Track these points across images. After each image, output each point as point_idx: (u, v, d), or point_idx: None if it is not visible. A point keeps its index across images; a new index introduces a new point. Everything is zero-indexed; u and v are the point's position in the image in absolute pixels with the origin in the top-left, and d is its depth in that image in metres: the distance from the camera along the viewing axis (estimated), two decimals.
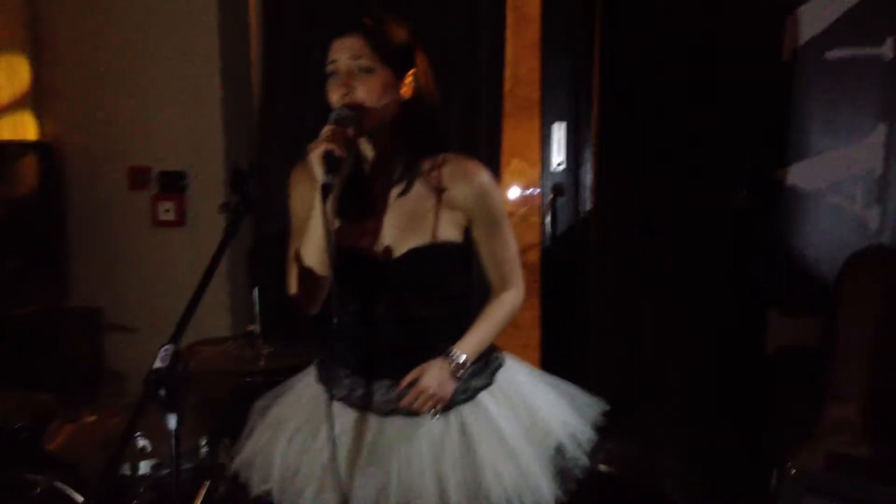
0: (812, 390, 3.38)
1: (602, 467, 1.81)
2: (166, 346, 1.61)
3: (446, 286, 2.08)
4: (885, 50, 3.36)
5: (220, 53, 4.09)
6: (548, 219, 3.95)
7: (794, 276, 3.54)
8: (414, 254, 2.01)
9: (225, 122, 4.12)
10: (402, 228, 2.03)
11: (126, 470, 2.75)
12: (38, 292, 4.12)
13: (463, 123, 3.82)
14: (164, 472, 2.91)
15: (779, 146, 3.52)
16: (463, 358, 2.04)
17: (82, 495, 2.96)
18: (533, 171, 4.91)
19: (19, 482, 2.90)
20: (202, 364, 3.26)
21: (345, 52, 1.96)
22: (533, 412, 2.13)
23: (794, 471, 3.04)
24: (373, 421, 2.05)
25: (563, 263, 3.98)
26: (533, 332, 4.77)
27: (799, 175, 3.50)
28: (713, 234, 3.59)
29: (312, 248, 1.94)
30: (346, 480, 1.98)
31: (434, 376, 2.00)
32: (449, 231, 2.04)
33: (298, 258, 1.98)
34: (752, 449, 3.54)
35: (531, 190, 5.21)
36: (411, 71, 2.03)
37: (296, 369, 2.53)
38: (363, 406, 2.07)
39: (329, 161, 1.84)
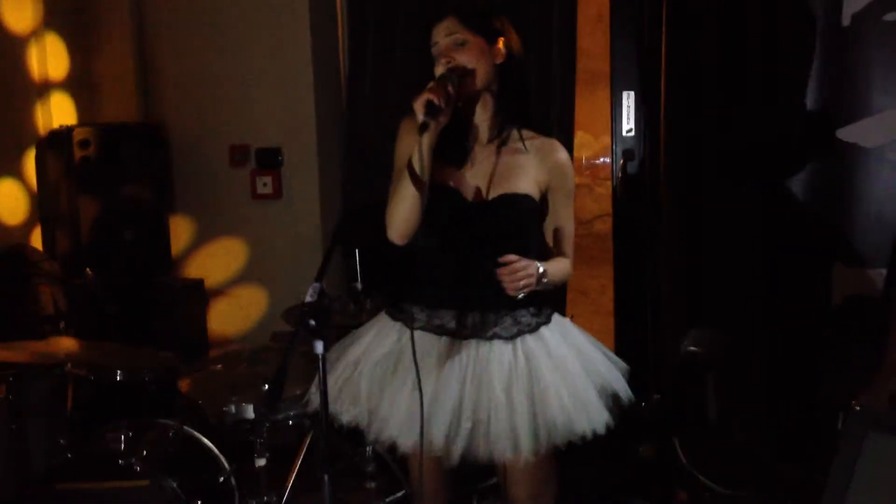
0: (877, 337, 3.57)
1: (691, 348, 2.03)
2: (314, 285, 1.91)
3: (525, 233, 2.40)
4: None
5: (312, 43, 4.41)
6: (619, 181, 4.19)
7: (857, 229, 3.73)
8: (503, 199, 2.34)
9: (317, 103, 4.44)
10: (495, 178, 2.35)
11: (250, 413, 3.11)
12: (148, 262, 4.48)
13: (537, 95, 4.07)
14: (281, 416, 3.26)
15: (840, 106, 3.71)
16: (543, 268, 2.29)
17: (207, 437, 3.33)
18: (597, 144, 5.12)
19: (155, 426, 3.27)
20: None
21: (442, 33, 2.33)
22: (584, 354, 2.42)
23: (858, 408, 3.26)
24: (450, 344, 2.33)
25: (634, 228, 4.20)
26: (602, 298, 5.01)
27: (860, 133, 3.68)
28: (777, 194, 3.79)
29: (411, 180, 2.24)
30: (426, 401, 2.25)
31: (527, 264, 2.25)
32: (532, 188, 2.37)
33: (398, 191, 2.28)
34: (820, 394, 3.76)
35: (601, 160, 5.42)
36: (501, 39, 2.35)
37: None
38: (441, 332, 2.36)
39: (429, 108, 2.17)
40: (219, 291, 4.68)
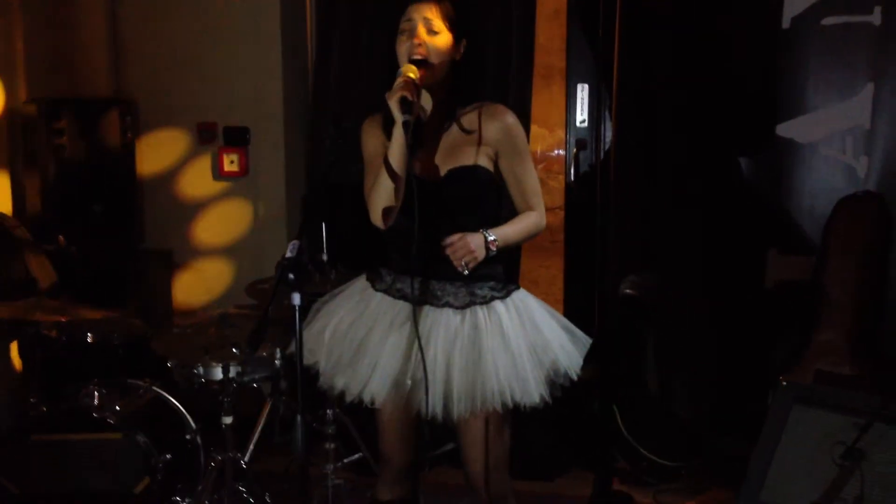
0: (805, 320, 3.83)
1: (628, 291, 2.22)
2: (294, 242, 2.10)
3: (478, 203, 2.55)
4: (874, 17, 3.79)
5: (281, 21, 4.56)
6: (572, 171, 4.40)
7: (791, 218, 4.00)
8: (453, 173, 2.51)
9: (284, 83, 4.60)
10: (445, 157, 2.53)
11: (219, 374, 3.28)
12: (117, 234, 4.60)
13: (494, 89, 4.25)
14: (247, 378, 3.43)
15: (780, 103, 3.97)
16: (493, 236, 2.49)
17: (176, 398, 3.50)
18: (551, 137, 5.29)
19: (127, 386, 3.43)
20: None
21: (419, 15, 2.47)
22: (537, 330, 2.58)
23: (785, 384, 3.50)
24: (405, 308, 2.52)
25: (584, 218, 4.40)
26: (552, 288, 5.17)
27: (796, 129, 3.95)
28: (719, 182, 4.04)
29: (388, 174, 2.42)
30: (378, 352, 2.48)
31: (472, 238, 2.47)
32: (482, 160, 2.53)
33: (378, 184, 2.47)
34: (752, 372, 4.01)
35: (555, 152, 5.60)
36: (464, 41, 2.54)
37: None
38: (401, 297, 2.55)
39: (404, 104, 2.34)
40: (185, 265, 4.81)
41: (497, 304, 2.55)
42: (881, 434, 3.15)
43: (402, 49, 2.48)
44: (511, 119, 2.56)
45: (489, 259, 2.52)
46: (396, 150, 2.40)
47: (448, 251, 2.46)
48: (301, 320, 2.13)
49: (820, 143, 3.92)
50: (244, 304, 4.37)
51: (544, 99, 4.69)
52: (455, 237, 2.45)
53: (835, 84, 3.87)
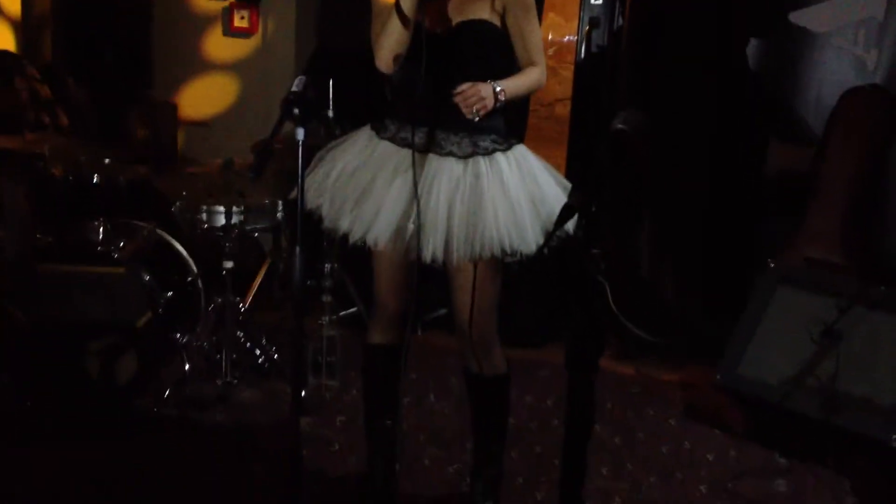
0: (800, 207, 3.88)
1: (619, 126, 2.26)
2: (300, 77, 2.13)
3: (486, 55, 2.57)
4: None
5: None
6: (583, 49, 4.39)
7: (797, 108, 4.01)
8: (463, 25, 2.53)
9: None
10: (456, 9, 2.54)
11: (221, 219, 3.36)
12: (128, 83, 4.62)
13: None
14: (249, 226, 3.51)
15: None
16: (500, 87, 2.53)
17: (178, 240, 3.58)
18: (567, 26, 5.24)
19: (130, 227, 3.50)
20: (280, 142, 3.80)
21: None
22: (536, 183, 2.63)
23: (772, 265, 3.59)
24: (409, 155, 2.53)
25: (595, 93, 4.41)
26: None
27: (809, 18, 3.93)
28: (727, 65, 4.04)
29: (398, 18, 2.44)
30: (382, 196, 2.54)
31: (482, 87, 2.51)
32: (491, 15, 2.56)
33: (387, 29, 2.49)
34: (742, 256, 4.08)
35: (567, 38, 5.56)
36: None
37: None
38: (405, 145, 2.58)
39: None
40: (190, 118, 4.84)
41: (499, 155, 2.60)
42: (860, 317, 3.26)
43: None
44: None
45: (493, 112, 2.56)
46: None
47: (458, 98, 2.49)
48: (305, 157, 2.17)
49: (832, 33, 3.90)
50: (249, 162, 4.42)
51: None
52: (466, 85, 2.48)
53: None
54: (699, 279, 4.18)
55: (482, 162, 2.58)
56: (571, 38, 4.72)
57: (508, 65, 2.65)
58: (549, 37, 4.90)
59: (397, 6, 2.43)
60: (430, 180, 2.55)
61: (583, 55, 4.40)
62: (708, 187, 4.11)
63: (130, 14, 4.64)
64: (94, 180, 3.70)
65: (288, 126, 2.20)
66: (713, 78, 4.04)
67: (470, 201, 2.52)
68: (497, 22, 2.58)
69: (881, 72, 3.83)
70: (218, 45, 4.74)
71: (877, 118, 3.77)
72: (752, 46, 4.05)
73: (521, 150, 2.67)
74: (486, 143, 2.60)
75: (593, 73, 4.37)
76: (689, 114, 4.08)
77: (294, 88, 2.16)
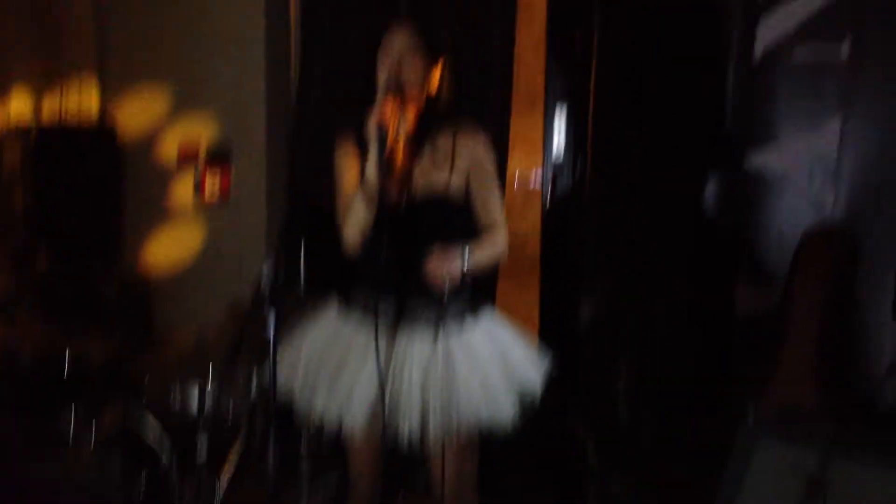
0: (771, 351, 3.89)
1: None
2: (270, 262, 2.17)
3: (449, 224, 2.63)
4: (842, 52, 3.86)
5: (265, 44, 4.63)
6: (548, 196, 4.47)
7: (760, 248, 4.06)
8: (427, 196, 2.60)
9: (267, 106, 4.65)
10: (420, 180, 2.61)
11: (195, 395, 3.33)
12: (98, 257, 4.64)
13: (472, 113, 4.30)
14: (222, 405, 3.47)
15: (750, 133, 4.04)
16: (467, 255, 2.55)
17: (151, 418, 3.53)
18: (529, 161, 5.35)
19: (101, 409, 3.45)
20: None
21: (396, 43, 2.57)
22: (506, 348, 2.67)
23: (751, 418, 3.57)
24: (380, 330, 2.55)
25: (561, 244, 4.46)
26: (530, 314, 5.18)
27: (763, 160, 4.01)
28: (690, 210, 4.11)
29: (361, 208, 2.49)
30: (355, 376, 2.54)
31: (448, 257, 2.54)
32: (455, 183, 2.63)
33: (352, 209, 2.55)
34: (720, 402, 4.06)
35: (533, 177, 5.66)
36: (440, 61, 2.62)
37: None
38: (373, 318, 2.56)
39: (380, 130, 2.44)
40: (164, 287, 4.85)
41: (468, 322, 2.63)
42: (843, 463, 3.22)
43: (382, 77, 2.58)
44: (484, 142, 2.67)
45: (462, 278, 2.60)
46: (370, 175, 2.47)
47: (427, 269, 2.52)
48: (276, 341, 2.19)
49: (787, 174, 3.98)
50: (222, 325, 4.42)
51: (524, 123, 4.76)
52: (436, 255, 2.52)
53: (803, 115, 3.93)
54: (679, 427, 4.15)
55: (452, 334, 2.60)
56: (537, 176, 4.81)
57: (470, 230, 2.71)
58: (515, 174, 4.98)
59: (362, 188, 2.48)
60: (401, 356, 2.57)
61: (548, 204, 4.47)
62: (681, 335, 4.11)
63: (100, 178, 4.70)
64: (64, 361, 3.71)
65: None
66: (676, 224, 4.10)
67: (443, 377, 2.53)
68: (461, 189, 2.64)
69: (839, 211, 3.89)
70: (189, 209, 4.79)
71: (839, 258, 3.81)
72: (710, 189, 4.12)
73: (488, 314, 2.71)
74: (454, 311, 2.62)
75: (560, 222, 4.43)
76: (656, 261, 4.13)
77: (264, 274, 2.20)
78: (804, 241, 3.82)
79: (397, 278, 2.59)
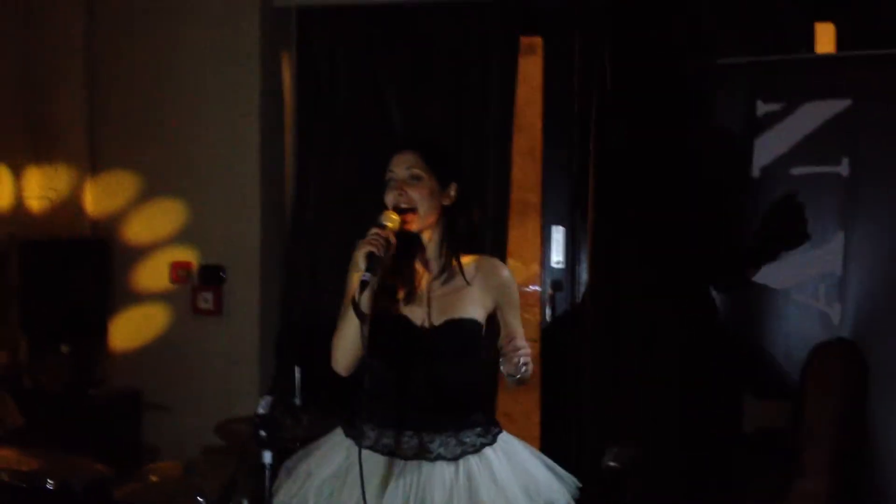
0: (784, 467, 3.79)
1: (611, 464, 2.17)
2: (266, 397, 2.05)
3: (470, 355, 2.50)
4: (842, 168, 3.88)
5: (260, 162, 4.62)
6: (548, 311, 4.40)
7: (766, 364, 3.98)
8: (449, 324, 2.46)
9: (262, 221, 4.62)
10: (442, 306, 2.49)
11: None
12: (85, 373, 4.52)
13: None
14: None
15: (752, 250, 4.01)
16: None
17: None
18: (526, 270, 5.31)
19: None
20: (241, 437, 3.66)
21: (401, 164, 2.49)
22: (526, 471, 2.52)
23: None
24: (396, 465, 2.44)
25: (562, 354, 4.39)
26: (528, 423, 5.12)
27: (769, 276, 3.98)
28: (695, 327, 4.04)
29: (350, 328, 2.40)
30: None
31: (524, 343, 2.39)
32: (478, 312, 2.51)
33: (341, 329, 2.44)
34: None
35: (530, 287, 5.64)
36: (454, 184, 2.53)
37: None
38: (388, 452, 2.46)
39: (370, 259, 2.32)
40: (154, 405, 4.71)
41: (487, 450, 2.49)
42: None
43: (389, 199, 2.49)
44: (507, 273, 2.59)
45: (478, 405, 2.52)
46: (356, 304, 2.37)
47: (507, 350, 2.36)
48: (272, 479, 2.07)
49: (792, 289, 3.95)
50: (214, 446, 4.26)
51: (519, 233, 4.74)
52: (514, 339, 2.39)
53: (806, 232, 3.91)
54: None
55: (473, 461, 2.46)
56: (534, 287, 4.75)
57: (487, 361, 2.58)
58: None
59: (354, 305, 2.36)
60: (421, 491, 2.41)
61: (548, 319, 4.40)
62: (690, 452, 4.00)
63: (88, 294, 4.62)
64: (48, 486, 3.53)
65: None
66: (683, 338, 4.03)
67: None
68: (483, 319, 2.52)
69: (846, 325, 3.84)
70: (181, 328, 4.70)
71: (849, 372, 3.75)
72: (717, 304, 4.06)
73: (504, 437, 2.56)
74: (471, 438, 2.49)
75: (560, 338, 4.36)
76: (660, 378, 4.05)
77: (260, 410, 2.08)
78: (814, 356, 3.76)
79: (412, 407, 2.47)
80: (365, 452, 2.48)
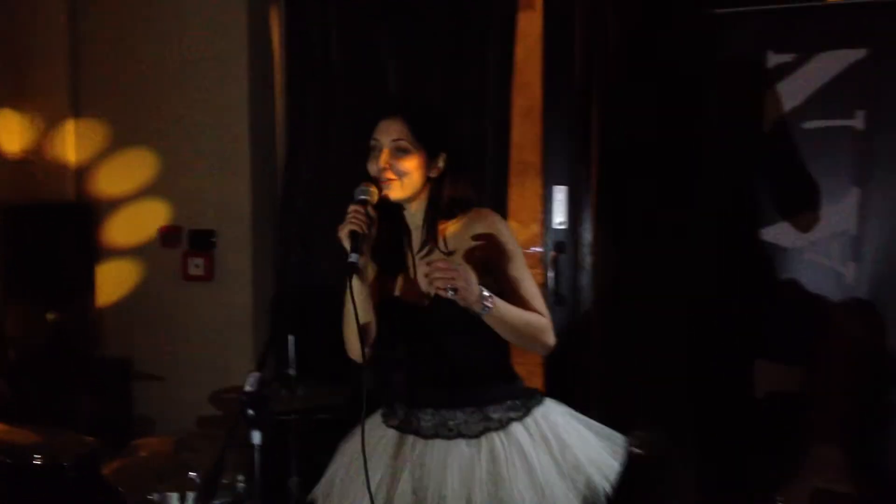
0: (797, 432, 3.67)
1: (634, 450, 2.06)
2: (254, 374, 1.91)
3: (474, 323, 2.27)
4: (857, 122, 3.72)
5: (249, 124, 4.46)
6: (550, 274, 4.26)
7: (778, 327, 3.84)
8: (440, 297, 2.23)
9: (252, 185, 4.47)
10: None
11: (176, 501, 3.05)
12: (74, 342, 4.39)
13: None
14: None
15: (762, 208, 3.86)
16: (488, 294, 2.19)
17: None
18: (527, 232, 5.19)
19: None
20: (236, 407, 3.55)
21: (387, 134, 2.32)
22: (565, 447, 2.36)
23: (779, 501, 3.34)
24: (417, 444, 2.35)
25: (565, 317, 4.26)
26: (530, 383, 5.00)
27: (781, 234, 3.83)
28: (704, 289, 3.90)
29: (352, 315, 2.26)
30: (391, 494, 2.28)
31: (468, 272, 2.18)
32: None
33: (346, 318, 2.33)
34: (743, 488, 3.81)
35: (531, 249, 5.51)
36: (442, 156, 2.37)
37: (327, 408, 2.86)
38: (413, 431, 2.38)
39: (354, 238, 2.18)
40: (145, 374, 4.59)
41: (516, 426, 2.36)
42: None
43: (371, 168, 2.34)
44: (491, 220, 2.37)
45: (506, 377, 2.42)
46: (350, 297, 2.22)
47: (427, 272, 2.18)
48: (262, 461, 1.94)
49: (805, 248, 3.80)
50: (208, 415, 4.15)
51: (517, 193, 4.60)
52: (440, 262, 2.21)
53: (819, 188, 3.76)
54: None
55: (497, 439, 2.32)
56: (535, 248, 4.63)
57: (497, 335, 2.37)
58: None
59: (350, 292, 2.21)
60: (439, 473, 2.29)
61: (552, 282, 4.26)
62: (698, 417, 3.88)
63: (74, 261, 4.48)
64: (37, 462, 3.41)
65: None
66: (690, 302, 3.90)
67: (489, 489, 2.25)
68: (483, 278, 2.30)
69: (861, 285, 3.69)
70: (171, 294, 4.56)
71: (865, 334, 3.62)
72: (727, 266, 3.91)
73: (543, 411, 2.41)
74: (497, 414, 2.35)
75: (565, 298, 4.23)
76: (665, 341, 3.91)
77: (248, 388, 1.95)
78: (827, 318, 3.62)
79: (429, 384, 2.40)
80: (390, 432, 2.40)
